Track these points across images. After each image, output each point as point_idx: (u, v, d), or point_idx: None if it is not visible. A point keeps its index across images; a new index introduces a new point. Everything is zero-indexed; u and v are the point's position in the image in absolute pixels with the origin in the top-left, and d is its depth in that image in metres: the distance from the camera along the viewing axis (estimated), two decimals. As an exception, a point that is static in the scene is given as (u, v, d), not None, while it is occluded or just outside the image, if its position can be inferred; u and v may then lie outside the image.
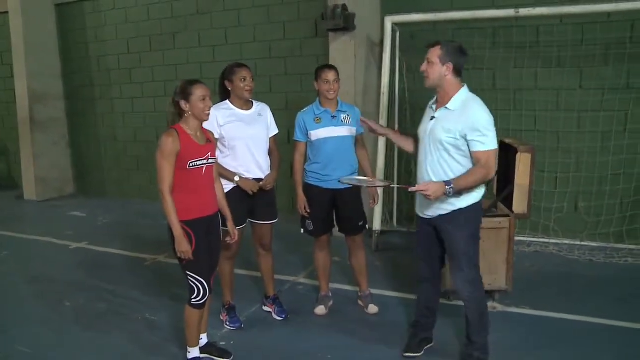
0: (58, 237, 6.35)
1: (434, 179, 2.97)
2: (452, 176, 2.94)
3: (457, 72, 2.98)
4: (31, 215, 7.88)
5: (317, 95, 3.84)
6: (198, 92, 3.00)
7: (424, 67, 3.01)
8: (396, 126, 6.01)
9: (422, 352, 3.41)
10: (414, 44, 5.92)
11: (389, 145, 5.83)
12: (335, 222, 3.99)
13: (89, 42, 8.46)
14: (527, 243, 5.39)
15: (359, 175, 3.90)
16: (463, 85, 3.02)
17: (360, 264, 4.06)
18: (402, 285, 4.51)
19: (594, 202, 5.37)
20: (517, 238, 5.25)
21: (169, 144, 2.95)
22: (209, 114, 3.06)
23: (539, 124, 5.50)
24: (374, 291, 4.25)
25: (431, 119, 3.05)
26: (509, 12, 5.05)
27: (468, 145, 2.91)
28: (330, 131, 3.75)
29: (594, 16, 5.09)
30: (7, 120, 9.30)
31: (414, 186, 2.91)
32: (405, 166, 6.11)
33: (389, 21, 5.59)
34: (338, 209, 3.90)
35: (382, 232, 5.68)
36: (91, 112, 8.67)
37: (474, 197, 3.03)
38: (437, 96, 3.10)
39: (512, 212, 3.93)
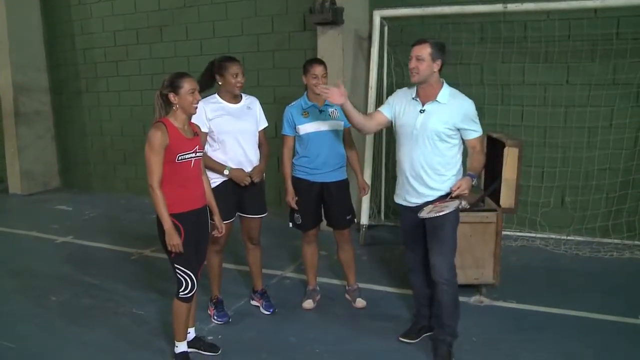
0: (43, 231, 6.28)
1: (428, 170, 3.14)
2: (444, 164, 3.13)
3: (441, 68, 3.13)
4: (16, 209, 7.78)
5: (305, 89, 3.82)
6: (187, 85, 2.98)
7: (413, 64, 3.08)
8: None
9: (419, 339, 3.48)
10: (402, 39, 5.92)
11: (377, 137, 5.84)
12: (323, 216, 3.99)
13: (75, 34, 8.34)
14: (514, 237, 5.43)
15: (347, 167, 3.91)
16: (443, 80, 3.19)
17: (348, 258, 4.06)
18: (389, 279, 4.52)
19: (580, 196, 5.42)
20: (504, 232, 5.25)
21: (158, 138, 2.92)
22: (197, 107, 3.04)
23: (526, 118, 5.53)
24: (362, 285, 4.25)
25: (421, 112, 3.13)
26: (497, 7, 5.06)
27: (461, 135, 3.14)
28: (317, 125, 3.74)
29: (580, 12, 5.11)
30: (-9, 113, 9.15)
31: (457, 196, 3.02)
32: (392, 157, 6.10)
33: (377, 15, 5.59)
34: (326, 203, 3.89)
35: (369, 227, 5.69)
36: (77, 105, 8.57)
37: (454, 180, 3.14)
38: (418, 91, 3.21)
39: (500, 206, 3.95)
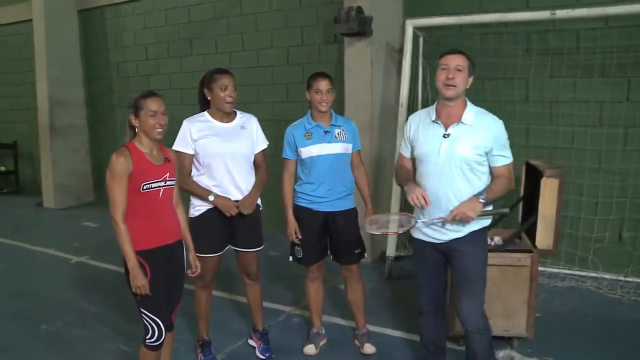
0: (62, 250, 6.12)
1: (457, 204, 2.71)
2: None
3: None
4: (44, 224, 7.71)
5: (309, 107, 3.38)
6: (148, 106, 2.62)
7: (451, 74, 2.69)
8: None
9: None
10: (440, 51, 5.37)
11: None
12: (328, 250, 3.50)
13: (109, 48, 8.30)
14: (561, 276, 4.71)
15: (354, 194, 3.43)
16: (466, 98, 2.81)
17: (358, 298, 3.56)
18: (409, 323, 3.94)
19: (641, 232, 4.68)
20: (549, 270, 4.69)
21: (120, 164, 2.59)
22: (160, 132, 2.67)
23: (578, 140, 4.84)
24: (377, 328, 3.79)
25: (444, 137, 2.74)
26: (544, 14, 4.44)
27: (489, 161, 2.75)
28: (322, 148, 3.28)
29: (644, 18, 4.43)
30: (33, 126, 9.20)
31: (443, 217, 2.72)
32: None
33: (409, 25, 5.08)
34: (331, 234, 3.42)
35: (397, 258, 5.12)
36: (111, 120, 8.50)
37: (487, 220, 2.84)
38: (438, 111, 2.81)
39: (535, 246, 3.35)
